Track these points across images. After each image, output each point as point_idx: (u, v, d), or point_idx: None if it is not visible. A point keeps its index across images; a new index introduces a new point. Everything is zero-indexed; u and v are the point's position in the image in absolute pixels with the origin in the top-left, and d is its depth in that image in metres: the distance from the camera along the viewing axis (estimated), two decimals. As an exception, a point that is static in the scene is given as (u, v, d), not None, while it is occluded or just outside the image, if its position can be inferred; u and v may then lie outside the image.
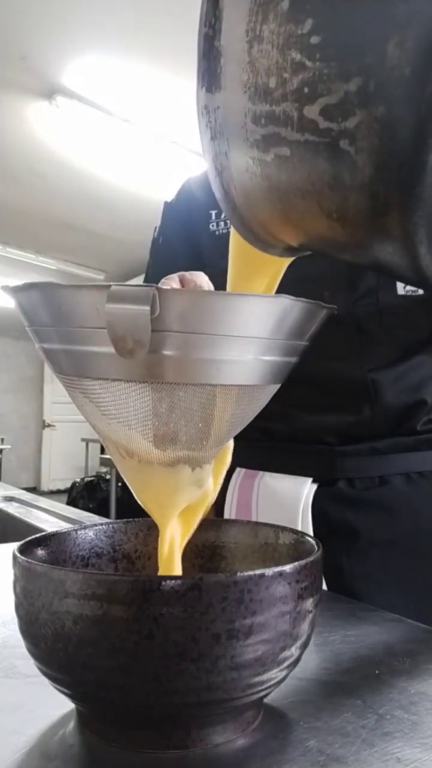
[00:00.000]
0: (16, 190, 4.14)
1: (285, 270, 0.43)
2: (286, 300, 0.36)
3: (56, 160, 3.64)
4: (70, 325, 0.36)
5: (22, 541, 0.42)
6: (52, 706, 0.41)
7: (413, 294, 0.73)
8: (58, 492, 7.55)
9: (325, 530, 0.74)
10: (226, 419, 0.40)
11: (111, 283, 0.33)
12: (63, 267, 5.55)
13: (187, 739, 0.37)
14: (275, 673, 0.37)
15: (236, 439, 0.46)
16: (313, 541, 0.43)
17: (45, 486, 8.02)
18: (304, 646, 0.39)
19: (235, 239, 0.42)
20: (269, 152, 0.31)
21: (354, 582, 0.74)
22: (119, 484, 4.95)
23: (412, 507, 0.76)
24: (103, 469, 5.94)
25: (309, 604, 0.38)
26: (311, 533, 0.72)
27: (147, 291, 0.33)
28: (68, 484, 6.22)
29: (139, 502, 0.44)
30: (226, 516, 0.82)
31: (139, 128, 3.18)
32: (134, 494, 0.44)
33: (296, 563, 0.37)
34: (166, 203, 0.90)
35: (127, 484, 0.44)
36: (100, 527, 0.50)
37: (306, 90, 0.28)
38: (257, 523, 0.51)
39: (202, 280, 0.62)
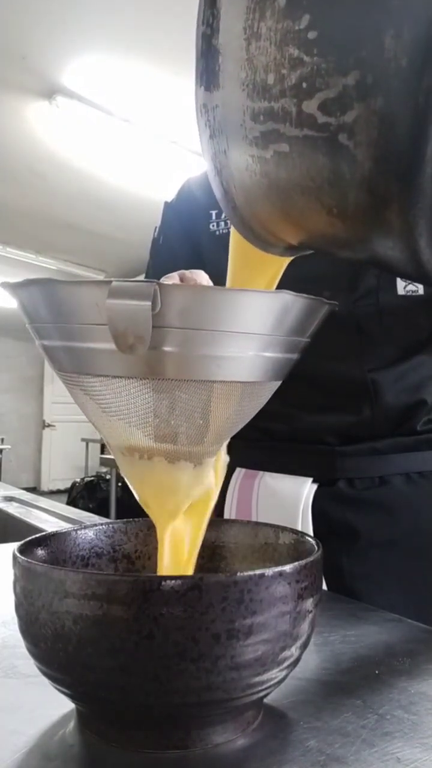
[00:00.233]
0: (16, 190, 4.14)
1: (285, 270, 0.43)
2: (287, 296, 0.36)
3: (56, 160, 3.64)
4: (70, 321, 0.36)
5: (22, 541, 0.42)
6: (52, 706, 0.41)
7: (413, 294, 0.73)
8: (58, 492, 7.54)
9: (325, 530, 0.74)
10: (227, 416, 0.40)
11: (111, 278, 0.33)
12: (63, 267, 5.55)
13: (187, 739, 0.36)
14: (275, 673, 0.37)
15: (236, 438, 0.46)
16: (313, 541, 0.43)
17: (45, 486, 8.02)
18: (304, 646, 0.39)
19: (235, 238, 0.42)
20: (268, 149, 0.31)
21: (354, 582, 0.74)
22: (119, 484, 4.95)
23: (412, 507, 0.76)
24: (103, 469, 5.94)
25: (309, 604, 0.38)
26: (311, 533, 0.72)
27: (148, 286, 0.33)
28: (68, 484, 6.22)
29: (139, 500, 0.44)
30: (226, 516, 0.82)
31: (139, 128, 3.18)
32: (134, 492, 0.44)
33: (296, 563, 0.37)
34: (166, 203, 0.90)
35: (127, 481, 0.44)
36: (100, 527, 0.50)
37: (304, 85, 0.28)
38: (257, 523, 0.51)
39: (202, 278, 0.62)
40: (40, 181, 3.94)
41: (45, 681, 0.39)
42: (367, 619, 0.59)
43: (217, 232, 0.81)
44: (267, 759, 0.36)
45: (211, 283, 0.62)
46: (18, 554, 0.39)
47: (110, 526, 0.51)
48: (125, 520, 0.52)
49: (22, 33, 2.53)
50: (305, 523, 0.75)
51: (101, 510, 4.89)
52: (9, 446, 7.28)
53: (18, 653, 0.50)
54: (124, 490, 4.86)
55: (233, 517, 0.81)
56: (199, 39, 0.32)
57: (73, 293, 0.35)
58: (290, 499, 0.76)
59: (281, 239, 0.38)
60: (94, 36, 2.52)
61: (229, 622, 0.34)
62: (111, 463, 4.58)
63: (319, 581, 0.40)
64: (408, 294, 0.73)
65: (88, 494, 5.54)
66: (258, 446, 0.81)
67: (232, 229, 0.40)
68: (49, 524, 1.16)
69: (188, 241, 0.84)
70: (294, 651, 0.38)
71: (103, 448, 5.80)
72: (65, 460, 8.00)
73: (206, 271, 0.63)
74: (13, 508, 1.32)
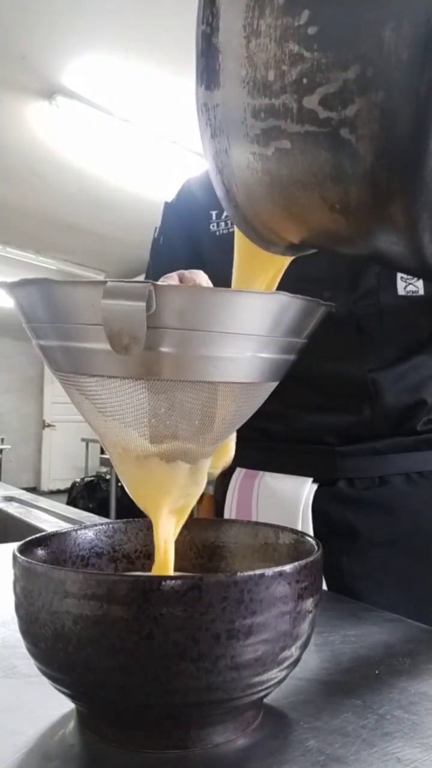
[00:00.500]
0: (16, 190, 4.14)
1: (285, 269, 0.43)
2: (284, 297, 0.36)
3: (56, 160, 3.64)
4: (66, 321, 0.36)
5: (22, 541, 0.42)
6: (52, 706, 0.41)
7: (413, 294, 0.73)
8: (58, 492, 7.54)
9: (325, 530, 0.74)
10: (224, 417, 0.40)
11: (107, 279, 0.33)
12: (63, 267, 5.55)
13: (187, 739, 0.36)
14: (275, 673, 0.37)
15: (236, 439, 0.46)
16: (313, 541, 0.43)
17: (45, 486, 8.02)
18: (304, 646, 0.39)
19: (239, 237, 0.42)
20: (270, 146, 0.31)
21: (354, 582, 0.74)
22: (119, 484, 4.95)
23: (412, 507, 0.76)
24: (103, 469, 5.94)
25: (309, 604, 0.38)
26: (311, 533, 0.72)
27: (143, 287, 0.32)
28: (68, 484, 6.22)
29: (134, 500, 0.44)
30: (226, 516, 0.82)
31: (139, 128, 3.18)
32: (129, 491, 0.44)
33: (296, 563, 0.37)
34: (166, 203, 0.90)
35: (122, 481, 0.44)
36: (100, 527, 0.50)
37: (305, 81, 0.28)
38: (257, 523, 0.51)
39: (201, 278, 0.62)
40: (40, 181, 3.94)
41: (45, 681, 0.39)
42: (367, 619, 0.59)
43: (218, 233, 0.81)
44: (267, 759, 0.36)
45: (210, 283, 0.62)
46: (18, 554, 0.39)
47: (110, 526, 0.51)
48: (125, 520, 0.52)
49: (22, 33, 2.53)
50: (305, 523, 0.75)
51: (101, 510, 4.89)
52: (9, 446, 7.28)
53: (18, 653, 0.50)
54: (124, 490, 4.85)
55: (233, 517, 0.81)
56: (198, 38, 0.32)
57: (69, 293, 0.35)
58: (290, 499, 0.76)
59: (283, 237, 0.38)
60: (94, 36, 2.52)
61: (229, 622, 0.34)
62: (111, 463, 4.57)
63: (319, 581, 0.40)
64: (408, 294, 0.73)
65: (88, 494, 5.54)
66: (258, 446, 0.81)
67: (236, 228, 0.40)
68: (49, 524, 1.16)
69: (188, 241, 0.84)
70: (294, 651, 0.38)
71: (103, 448, 5.79)
72: (65, 460, 8.00)
73: (206, 272, 0.63)
74: (13, 508, 1.32)
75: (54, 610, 0.35)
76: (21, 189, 4.12)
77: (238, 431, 0.47)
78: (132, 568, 0.51)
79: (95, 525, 0.50)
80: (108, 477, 5.37)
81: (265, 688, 0.37)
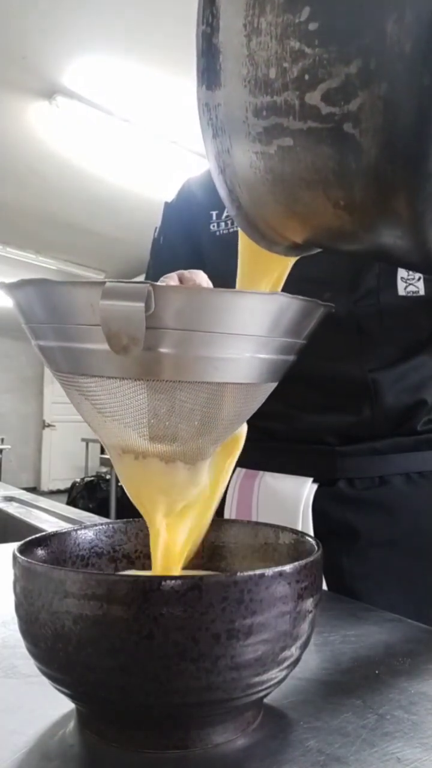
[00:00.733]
0: (17, 190, 4.14)
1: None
2: (282, 297, 0.36)
3: (56, 160, 3.64)
4: (65, 322, 0.36)
5: (22, 541, 0.42)
6: (52, 706, 0.41)
7: (414, 295, 0.73)
8: (58, 492, 7.54)
9: (326, 530, 0.74)
10: (223, 417, 0.40)
11: (106, 279, 0.33)
12: (63, 267, 5.55)
13: (187, 739, 0.36)
14: (275, 673, 0.37)
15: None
16: (313, 541, 0.43)
17: (45, 486, 8.02)
18: (304, 646, 0.39)
19: (242, 238, 0.42)
20: (272, 144, 0.31)
21: (354, 582, 0.74)
22: (119, 484, 4.95)
23: (412, 507, 0.76)
24: (103, 469, 5.94)
25: (309, 604, 0.38)
26: (311, 533, 0.72)
27: (141, 288, 0.32)
28: (68, 484, 6.22)
29: (133, 501, 0.44)
30: (226, 516, 0.82)
31: (139, 128, 3.18)
32: (128, 492, 0.44)
33: (296, 563, 0.37)
34: (166, 203, 0.90)
35: (121, 481, 0.44)
36: (100, 527, 0.50)
37: (306, 77, 0.28)
38: (257, 523, 0.51)
39: (201, 278, 0.62)
40: (40, 181, 3.94)
41: (45, 681, 0.39)
42: (367, 619, 0.59)
43: (218, 233, 0.81)
44: (267, 759, 0.36)
45: (210, 284, 0.62)
46: (18, 554, 0.39)
47: (110, 526, 0.51)
48: (125, 520, 0.52)
49: (22, 33, 2.53)
50: (305, 523, 0.75)
51: (101, 510, 4.89)
52: (9, 446, 7.28)
53: (18, 653, 0.50)
54: (124, 490, 4.86)
55: (233, 517, 0.81)
56: (199, 38, 0.32)
57: (67, 294, 0.35)
58: (290, 499, 0.76)
59: (287, 237, 0.38)
60: (94, 36, 2.52)
61: (229, 622, 0.34)
62: (111, 463, 4.57)
63: (319, 581, 0.40)
64: (408, 295, 0.73)
65: (88, 494, 5.54)
66: (258, 446, 0.80)
67: (240, 229, 0.40)
68: (49, 524, 1.16)
69: (189, 241, 0.84)
70: (294, 651, 0.38)
71: (103, 449, 5.80)
72: (65, 460, 8.00)
73: (206, 272, 0.63)
74: (13, 508, 1.32)
75: (54, 610, 0.35)
76: (21, 189, 4.12)
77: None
78: (132, 568, 0.51)
79: (95, 525, 0.50)
80: (108, 477, 5.37)
81: (265, 688, 0.37)
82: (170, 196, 0.91)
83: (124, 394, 0.37)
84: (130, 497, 0.44)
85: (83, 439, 6.82)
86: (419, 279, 0.73)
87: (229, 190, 0.35)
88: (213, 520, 0.49)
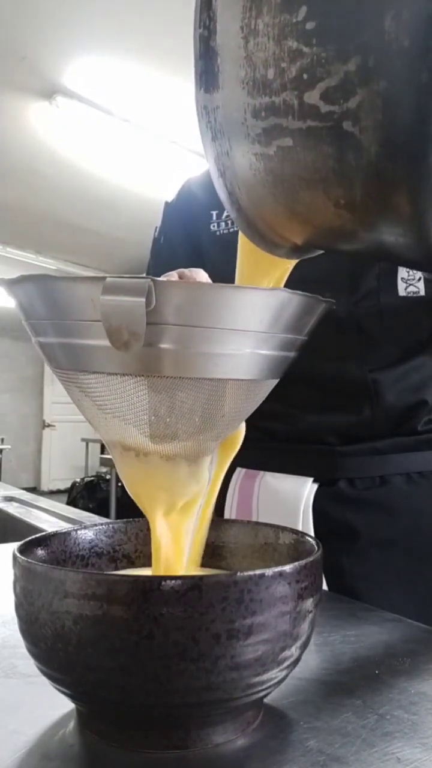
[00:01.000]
0: (17, 190, 4.13)
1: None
2: (283, 293, 0.36)
3: (56, 160, 3.64)
4: (65, 318, 0.36)
5: (22, 541, 0.42)
6: (52, 706, 0.41)
7: (414, 295, 0.73)
8: (58, 492, 7.54)
9: (326, 530, 0.74)
10: (224, 414, 0.40)
11: (106, 275, 0.33)
12: (63, 267, 5.55)
13: (187, 739, 0.36)
14: (275, 673, 0.37)
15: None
16: (313, 541, 0.43)
17: (45, 486, 8.02)
18: (304, 646, 0.39)
19: (243, 241, 0.42)
20: (271, 145, 0.31)
21: (354, 582, 0.74)
22: (119, 484, 4.95)
23: (412, 507, 0.76)
24: (103, 469, 5.94)
25: (309, 604, 0.38)
26: (312, 533, 0.72)
27: (142, 283, 0.32)
28: (68, 484, 6.22)
29: (134, 498, 0.44)
30: (227, 516, 0.82)
31: (139, 128, 3.18)
32: (128, 490, 0.44)
33: (296, 563, 0.37)
34: (166, 203, 0.90)
35: (122, 478, 0.44)
36: (100, 527, 0.50)
37: (305, 76, 0.28)
38: (257, 523, 0.51)
39: (201, 276, 0.62)
40: (40, 180, 3.94)
41: (45, 681, 0.39)
42: (367, 619, 0.59)
43: (218, 233, 0.81)
44: (267, 759, 0.36)
45: (210, 282, 0.62)
46: (18, 554, 0.39)
47: (110, 526, 0.51)
48: (125, 520, 0.52)
49: (22, 33, 2.53)
50: (306, 523, 0.75)
51: (101, 510, 4.89)
52: (9, 446, 7.28)
53: (18, 653, 0.50)
54: (124, 490, 4.85)
55: (233, 517, 0.81)
56: (196, 41, 0.32)
57: (68, 289, 0.35)
58: (291, 499, 0.76)
59: (287, 239, 0.38)
60: (94, 36, 2.52)
61: (229, 622, 0.34)
62: (111, 463, 4.57)
63: (319, 581, 0.40)
64: (409, 295, 0.73)
65: (88, 494, 5.54)
66: (258, 446, 0.81)
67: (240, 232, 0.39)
68: (49, 524, 1.16)
69: (189, 240, 0.84)
70: (294, 651, 0.38)
71: (103, 448, 5.80)
72: (65, 460, 8.00)
73: (206, 272, 0.63)
74: (13, 508, 1.32)
75: (54, 610, 0.35)
76: (21, 189, 4.12)
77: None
78: (132, 568, 0.51)
79: (95, 525, 0.50)
80: (108, 477, 5.37)
81: (265, 688, 0.37)
82: (170, 196, 0.91)
83: (124, 391, 0.37)
84: (130, 494, 0.44)
85: (83, 439, 6.82)
86: (420, 279, 0.73)
87: (229, 193, 0.35)
88: (213, 520, 0.49)
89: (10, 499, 1.45)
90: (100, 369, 0.37)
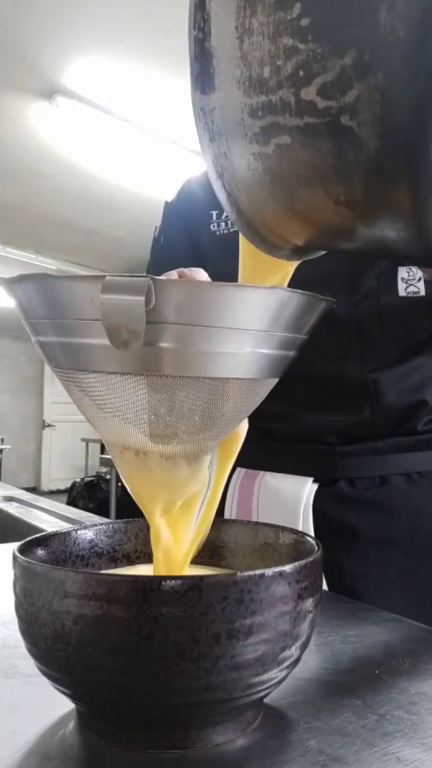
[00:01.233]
0: (17, 190, 4.13)
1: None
2: (283, 291, 0.36)
3: (56, 160, 3.64)
4: (65, 317, 0.36)
5: (22, 541, 0.42)
6: (52, 706, 0.41)
7: (414, 295, 0.73)
8: (58, 492, 7.54)
9: (326, 530, 0.74)
10: (224, 413, 0.40)
11: (105, 273, 0.33)
12: (63, 267, 5.55)
13: (187, 739, 0.36)
14: (275, 673, 0.37)
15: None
16: (313, 541, 0.43)
17: (45, 486, 8.02)
18: (304, 646, 0.39)
19: (243, 243, 0.42)
20: (269, 144, 0.31)
21: (354, 582, 0.74)
22: (119, 484, 4.95)
23: (412, 507, 0.76)
24: (103, 469, 5.94)
25: (309, 604, 0.38)
26: (312, 533, 0.72)
27: (142, 281, 0.32)
28: (68, 484, 6.22)
29: (134, 497, 0.44)
30: (226, 516, 0.82)
31: (139, 128, 3.18)
32: (128, 489, 0.43)
33: (296, 563, 0.37)
34: (166, 203, 0.90)
35: (122, 479, 0.44)
36: (100, 527, 0.50)
37: (301, 73, 0.28)
38: (257, 523, 0.51)
39: (201, 275, 0.62)
40: (40, 180, 3.94)
41: (45, 681, 0.39)
42: (367, 619, 0.59)
43: (218, 233, 0.81)
44: (267, 759, 0.36)
45: (209, 281, 0.62)
46: (18, 554, 0.39)
47: (110, 526, 0.51)
48: (125, 520, 0.52)
49: (22, 33, 2.52)
50: (306, 523, 0.75)
51: (101, 510, 4.89)
52: (9, 446, 7.28)
53: (18, 653, 0.50)
54: (124, 490, 4.85)
55: (233, 516, 0.81)
56: (191, 43, 0.32)
57: (67, 288, 0.35)
58: (291, 499, 0.76)
59: (287, 240, 0.37)
60: (94, 36, 2.52)
61: (229, 622, 0.34)
62: (111, 463, 4.57)
63: (319, 581, 0.40)
64: (409, 295, 0.73)
65: (88, 494, 5.54)
66: (259, 446, 0.80)
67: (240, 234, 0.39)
68: (49, 524, 1.16)
69: (189, 240, 0.84)
70: (294, 651, 0.38)
71: (103, 448, 5.80)
72: (65, 460, 8.00)
73: (207, 271, 0.63)
74: (13, 508, 1.32)
75: (54, 610, 0.35)
76: (21, 189, 4.12)
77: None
78: (132, 567, 0.51)
79: (95, 525, 0.50)
80: (108, 477, 5.37)
81: (265, 688, 0.37)
82: (170, 196, 0.91)
83: (124, 390, 0.37)
84: (131, 494, 0.44)
85: (83, 439, 6.82)
86: (420, 279, 0.73)
87: (228, 194, 0.35)
88: (213, 520, 0.49)
89: (10, 499, 1.45)
90: (100, 368, 0.37)
